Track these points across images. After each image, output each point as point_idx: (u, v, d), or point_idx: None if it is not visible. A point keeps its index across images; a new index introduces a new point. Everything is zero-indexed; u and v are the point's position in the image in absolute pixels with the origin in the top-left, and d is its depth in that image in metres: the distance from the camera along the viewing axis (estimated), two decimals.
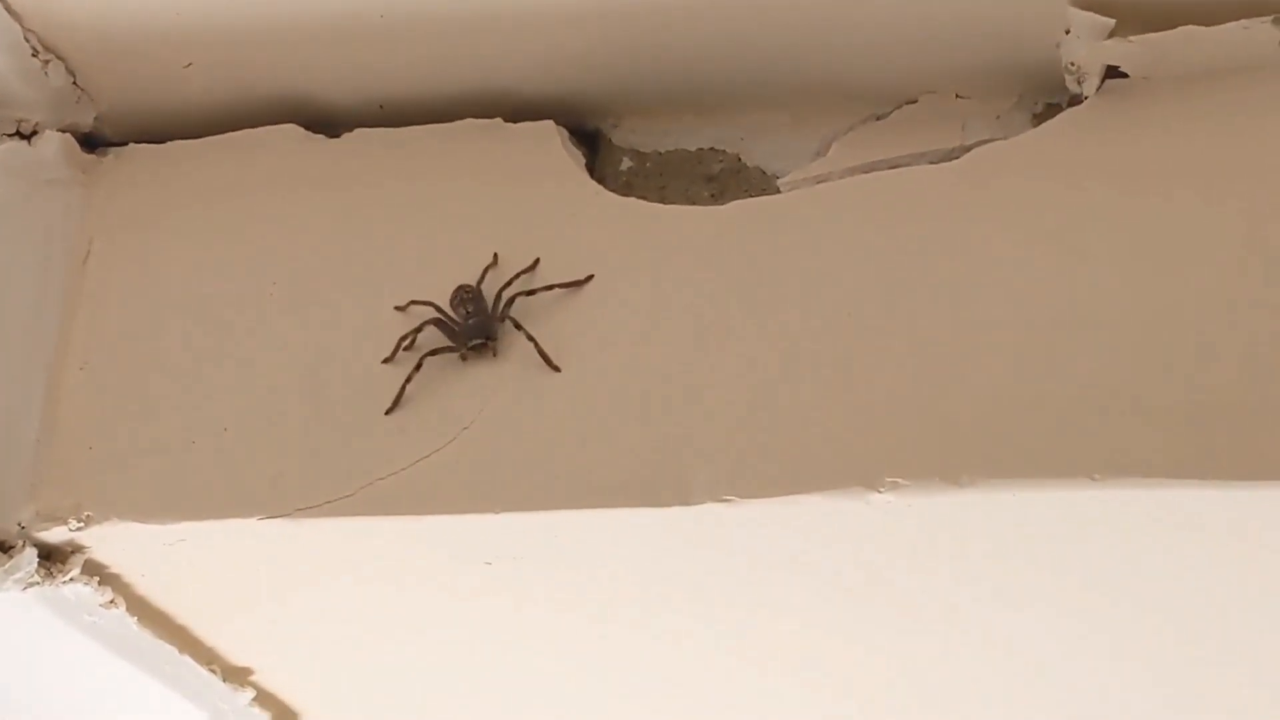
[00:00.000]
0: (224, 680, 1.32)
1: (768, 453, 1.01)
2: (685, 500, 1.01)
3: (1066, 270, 1.01)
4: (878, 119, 1.12)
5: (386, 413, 1.07)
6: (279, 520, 1.08)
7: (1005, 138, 1.07)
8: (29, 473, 1.12)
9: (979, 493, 0.97)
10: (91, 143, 1.21)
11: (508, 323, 1.07)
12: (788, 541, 1.06)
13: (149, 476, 1.11)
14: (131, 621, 1.20)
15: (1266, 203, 0.99)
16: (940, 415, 0.99)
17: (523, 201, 1.13)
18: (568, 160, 1.14)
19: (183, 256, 1.17)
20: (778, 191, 1.11)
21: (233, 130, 1.19)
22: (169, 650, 1.25)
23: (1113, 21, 1.02)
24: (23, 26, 1.14)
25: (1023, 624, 1.16)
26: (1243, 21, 1.01)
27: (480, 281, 1.10)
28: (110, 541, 1.12)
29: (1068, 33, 1.04)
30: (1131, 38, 1.02)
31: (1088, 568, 1.07)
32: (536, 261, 1.09)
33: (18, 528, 1.11)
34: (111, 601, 1.18)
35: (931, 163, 1.08)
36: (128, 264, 1.17)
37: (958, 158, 1.07)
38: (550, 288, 1.08)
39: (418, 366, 1.07)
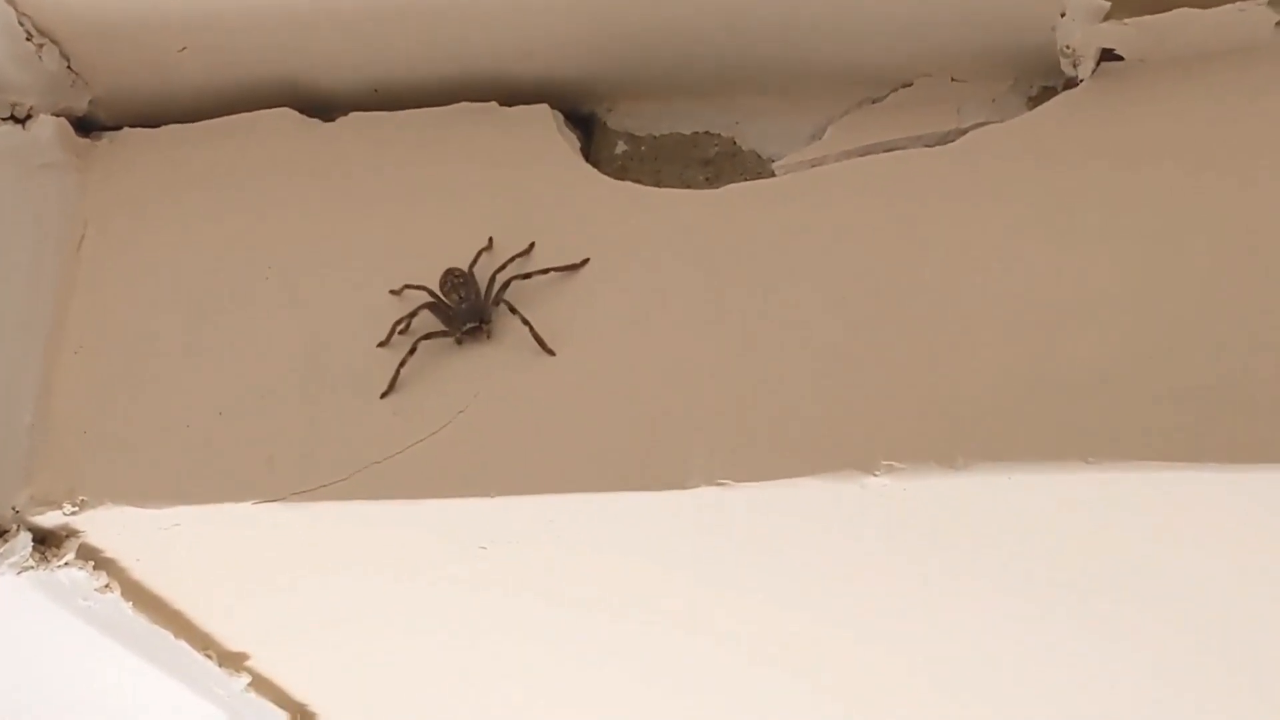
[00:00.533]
0: (220, 665, 1.32)
1: (763, 436, 1.01)
2: (681, 484, 1.01)
3: (1062, 253, 1.01)
4: (873, 102, 1.12)
5: (382, 396, 1.07)
6: (274, 504, 1.08)
7: (1000, 121, 1.07)
8: (23, 457, 1.12)
9: (974, 476, 0.98)
10: (86, 127, 1.21)
11: (502, 306, 1.07)
12: (783, 525, 1.06)
13: (144, 461, 1.11)
14: (126, 606, 1.20)
15: (1261, 184, 0.99)
16: (935, 398, 0.99)
17: (518, 185, 1.13)
18: (562, 144, 1.14)
19: (177, 240, 1.16)
20: (773, 175, 1.11)
21: (227, 114, 1.20)
22: (164, 635, 1.25)
23: (1108, 4, 1.02)
24: (17, 10, 1.14)
25: (1017, 608, 1.16)
26: (1238, 4, 1.01)
27: (472, 265, 1.10)
28: (105, 526, 1.12)
29: (1063, 15, 1.04)
30: (1126, 20, 1.02)
31: (1082, 552, 1.07)
32: (531, 245, 1.09)
33: (12, 512, 1.11)
34: (106, 586, 1.18)
35: (927, 146, 1.07)
36: (122, 248, 1.17)
37: (953, 141, 1.07)
38: (545, 271, 1.08)
39: (412, 350, 1.07)
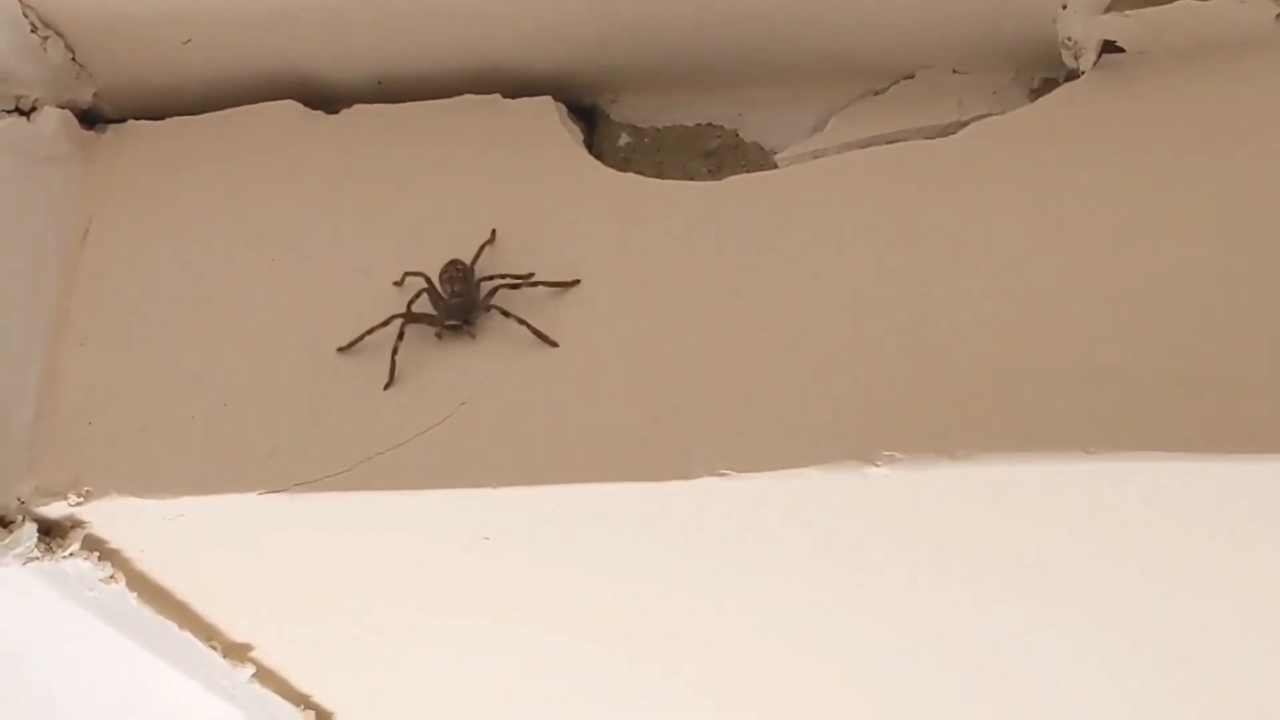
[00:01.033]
0: (224, 656, 1.33)
1: (764, 427, 1.01)
2: (683, 474, 1.01)
3: (1063, 244, 1.01)
4: (875, 94, 1.12)
5: (385, 387, 1.08)
6: (278, 495, 1.08)
7: (1002, 112, 1.07)
8: (28, 448, 1.12)
9: (974, 466, 0.98)
10: (90, 119, 1.21)
11: (493, 311, 1.07)
12: (784, 515, 1.06)
13: (148, 451, 1.11)
14: (131, 597, 1.21)
15: (1262, 175, 1.00)
16: (936, 389, 0.99)
17: (521, 177, 1.13)
18: (566, 136, 1.14)
19: (181, 232, 1.17)
20: (775, 167, 1.11)
21: (231, 107, 1.20)
22: (169, 626, 1.26)
23: None
24: (21, 3, 1.14)
25: (1017, 600, 1.16)
26: None
27: (475, 260, 1.10)
28: (110, 516, 1.12)
29: (1064, 8, 1.04)
30: (1128, 12, 1.02)
31: (1082, 543, 1.07)
32: (530, 275, 1.09)
33: (17, 503, 1.11)
34: (111, 577, 1.18)
35: (928, 138, 1.08)
36: (126, 240, 1.17)
37: (955, 132, 1.07)
38: (535, 284, 1.08)
39: (400, 335, 1.07)
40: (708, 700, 1.38)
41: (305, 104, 1.19)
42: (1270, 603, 1.12)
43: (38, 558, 1.12)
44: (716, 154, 1.14)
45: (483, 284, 1.08)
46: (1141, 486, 0.99)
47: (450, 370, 1.08)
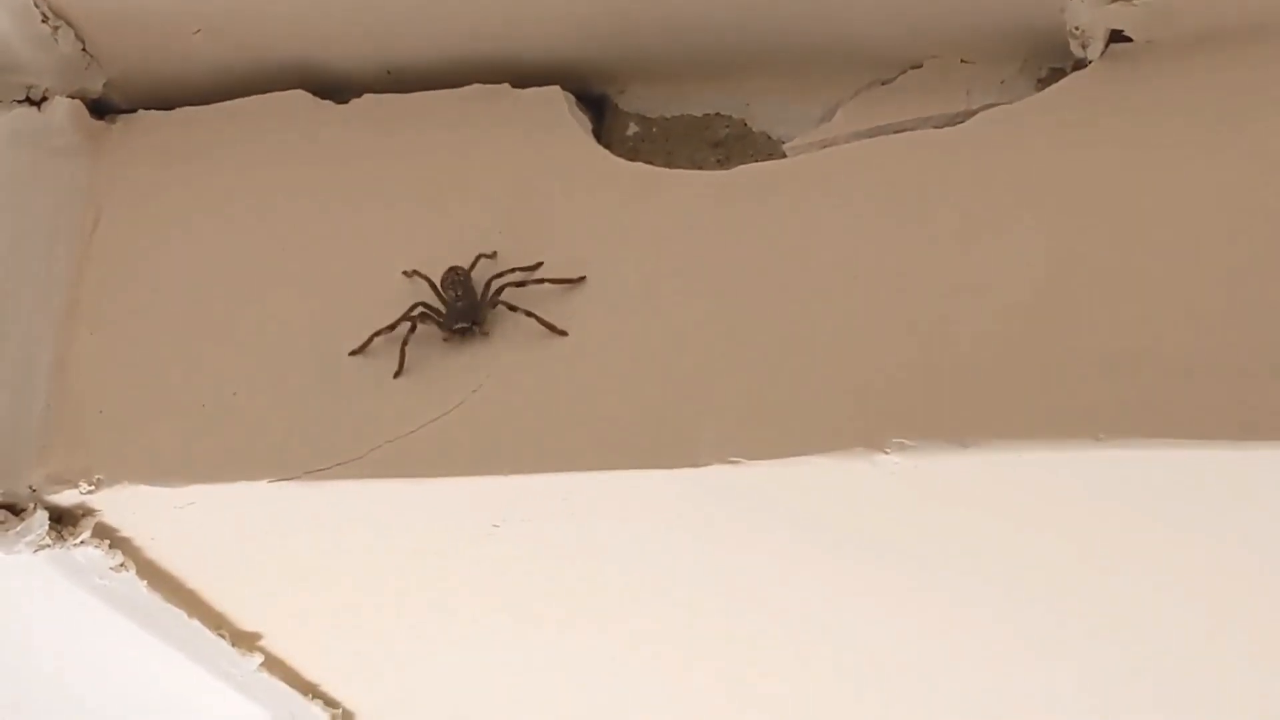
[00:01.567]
0: (233, 645, 1.33)
1: (774, 414, 1.01)
2: (692, 462, 1.02)
3: (1070, 233, 1.01)
4: (883, 84, 1.12)
5: (395, 375, 1.08)
6: (289, 483, 1.08)
7: (1009, 102, 1.07)
8: (39, 436, 1.12)
9: (984, 454, 0.98)
10: (100, 109, 1.22)
11: (500, 309, 1.07)
12: (793, 503, 1.06)
13: (159, 440, 1.11)
14: (141, 585, 1.21)
15: (1270, 164, 1.00)
16: (946, 376, 0.99)
17: (529, 166, 1.13)
18: (574, 125, 1.14)
19: (191, 222, 1.17)
20: (783, 156, 1.11)
21: (241, 96, 1.20)
22: (178, 614, 1.26)
23: None
24: None
25: (1026, 589, 1.17)
26: None
27: (472, 267, 1.10)
28: (121, 504, 1.13)
29: None
30: (1135, 2, 1.02)
31: (1092, 531, 1.08)
32: (539, 265, 1.09)
33: (28, 490, 1.11)
34: (122, 565, 1.18)
35: (936, 127, 1.08)
36: (136, 229, 1.18)
37: (962, 122, 1.07)
38: (541, 281, 1.08)
39: (412, 328, 1.08)
40: (717, 687, 1.38)
41: (315, 94, 1.19)
42: None
43: (49, 545, 1.12)
44: (725, 143, 1.14)
45: (492, 282, 1.09)
46: (1153, 475, 0.99)
47: (460, 359, 1.08)
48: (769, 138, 1.14)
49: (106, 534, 1.16)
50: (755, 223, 1.07)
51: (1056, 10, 1.05)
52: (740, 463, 1.01)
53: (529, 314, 1.07)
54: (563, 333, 1.07)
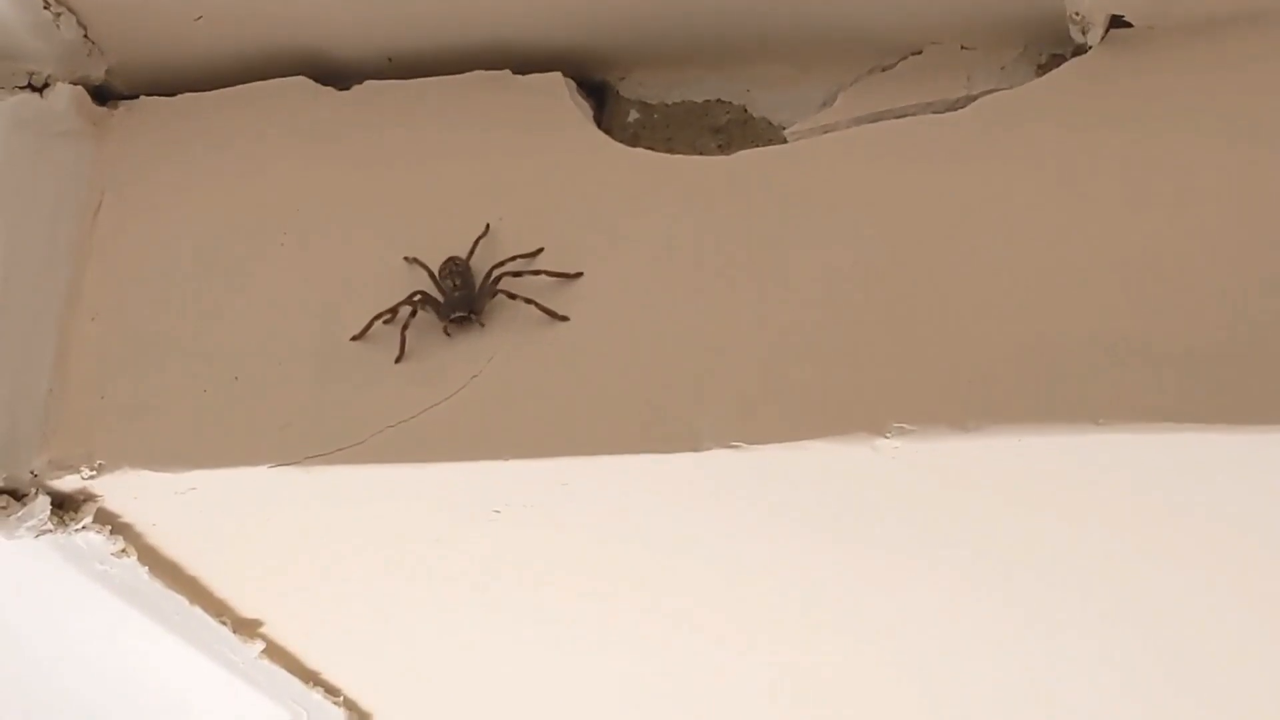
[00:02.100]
0: (234, 632, 1.33)
1: (775, 399, 1.02)
2: (693, 446, 1.02)
3: (1071, 218, 1.01)
4: (883, 70, 1.12)
5: (396, 361, 1.08)
6: (289, 468, 1.09)
7: (1010, 88, 1.08)
8: (41, 421, 1.13)
9: (985, 438, 0.98)
10: (102, 95, 1.22)
11: (499, 297, 1.08)
12: (794, 488, 1.06)
13: (160, 425, 1.11)
14: (143, 571, 1.21)
15: (1270, 150, 1.00)
16: (946, 361, 0.99)
17: (531, 153, 1.13)
18: (575, 112, 1.14)
19: (193, 207, 1.17)
20: (784, 142, 1.11)
21: (243, 83, 1.20)
22: (179, 600, 1.26)
23: None
24: None
25: (1026, 573, 1.17)
26: None
27: (470, 254, 1.11)
28: (122, 490, 1.13)
29: None
30: None
31: (1093, 516, 1.08)
32: (539, 251, 1.10)
33: (30, 476, 1.12)
34: (123, 550, 1.19)
35: (936, 113, 1.08)
36: (138, 215, 1.18)
37: (962, 108, 1.08)
38: (539, 273, 1.08)
39: (412, 313, 1.08)
40: (720, 668, 1.38)
41: (316, 80, 1.19)
42: None
43: (50, 530, 1.13)
44: (725, 129, 1.15)
45: (492, 271, 1.09)
46: (1151, 459, 1.00)
47: (461, 345, 1.08)
48: (770, 124, 1.14)
49: (108, 519, 1.16)
50: (756, 208, 1.07)
51: None
52: (741, 447, 1.01)
53: (529, 301, 1.07)
54: (563, 318, 1.07)
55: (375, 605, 1.33)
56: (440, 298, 1.09)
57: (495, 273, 1.09)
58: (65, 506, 1.14)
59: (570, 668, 1.43)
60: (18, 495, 1.12)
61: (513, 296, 1.07)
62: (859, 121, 1.09)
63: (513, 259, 1.09)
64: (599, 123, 1.16)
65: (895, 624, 1.26)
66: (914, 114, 1.09)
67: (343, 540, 1.21)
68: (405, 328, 1.08)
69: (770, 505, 1.09)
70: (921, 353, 1.00)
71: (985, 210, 1.03)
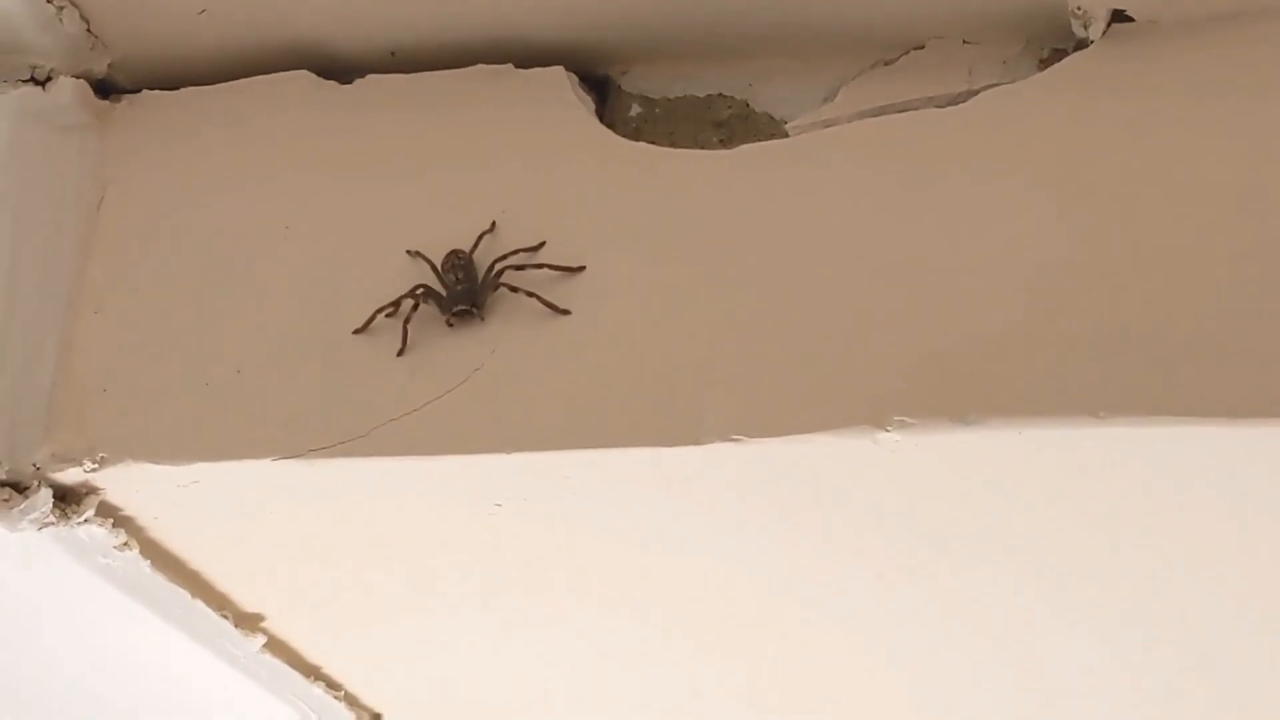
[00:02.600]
0: (235, 626, 1.33)
1: (776, 392, 1.02)
2: (695, 440, 1.02)
3: (1072, 212, 1.02)
4: (885, 64, 1.12)
5: (398, 354, 1.08)
6: (292, 461, 1.09)
7: (1012, 82, 1.08)
8: (44, 414, 1.13)
9: (985, 431, 0.98)
10: (105, 89, 1.22)
11: (501, 290, 1.08)
12: (796, 481, 1.06)
13: (163, 418, 1.12)
14: (145, 564, 1.22)
15: (1271, 146, 1.00)
16: (947, 354, 1.00)
17: (533, 147, 1.14)
18: (578, 106, 1.14)
19: (196, 201, 1.17)
20: (786, 136, 1.11)
21: (245, 77, 1.20)
22: (181, 594, 1.27)
23: None
24: None
25: (1026, 567, 1.17)
26: None
27: (474, 248, 1.11)
28: (124, 483, 1.13)
29: None
30: None
31: (1093, 510, 1.08)
32: (541, 245, 1.10)
33: (33, 468, 1.12)
34: (125, 544, 1.19)
35: (938, 107, 1.08)
36: (141, 209, 1.18)
37: (964, 102, 1.08)
38: (541, 266, 1.09)
39: (415, 306, 1.08)
40: (723, 661, 1.38)
41: (319, 74, 1.19)
42: None
43: (52, 523, 1.13)
44: (728, 124, 1.15)
45: (494, 265, 1.09)
46: (1152, 452, 1.00)
47: (463, 337, 1.08)
48: (771, 118, 1.14)
49: (110, 513, 1.16)
50: (758, 202, 1.07)
51: None
52: (742, 440, 1.01)
53: (530, 294, 1.07)
54: (565, 312, 1.07)
55: (376, 599, 1.33)
56: (443, 291, 1.09)
57: (497, 266, 1.09)
58: (67, 499, 1.14)
59: (570, 661, 1.44)
60: (20, 488, 1.12)
61: (514, 290, 1.07)
62: (861, 116, 1.09)
63: (515, 253, 1.09)
64: (601, 117, 1.16)
65: (896, 617, 1.26)
66: (916, 108, 1.09)
67: (344, 534, 1.21)
68: (407, 321, 1.08)
69: (771, 497, 1.09)
70: (922, 346, 1.00)
71: (986, 204, 1.03)
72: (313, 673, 1.45)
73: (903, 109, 1.09)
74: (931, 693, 1.40)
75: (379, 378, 1.09)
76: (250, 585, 1.31)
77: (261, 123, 1.19)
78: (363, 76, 1.19)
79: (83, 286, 1.16)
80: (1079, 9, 1.05)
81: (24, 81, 1.19)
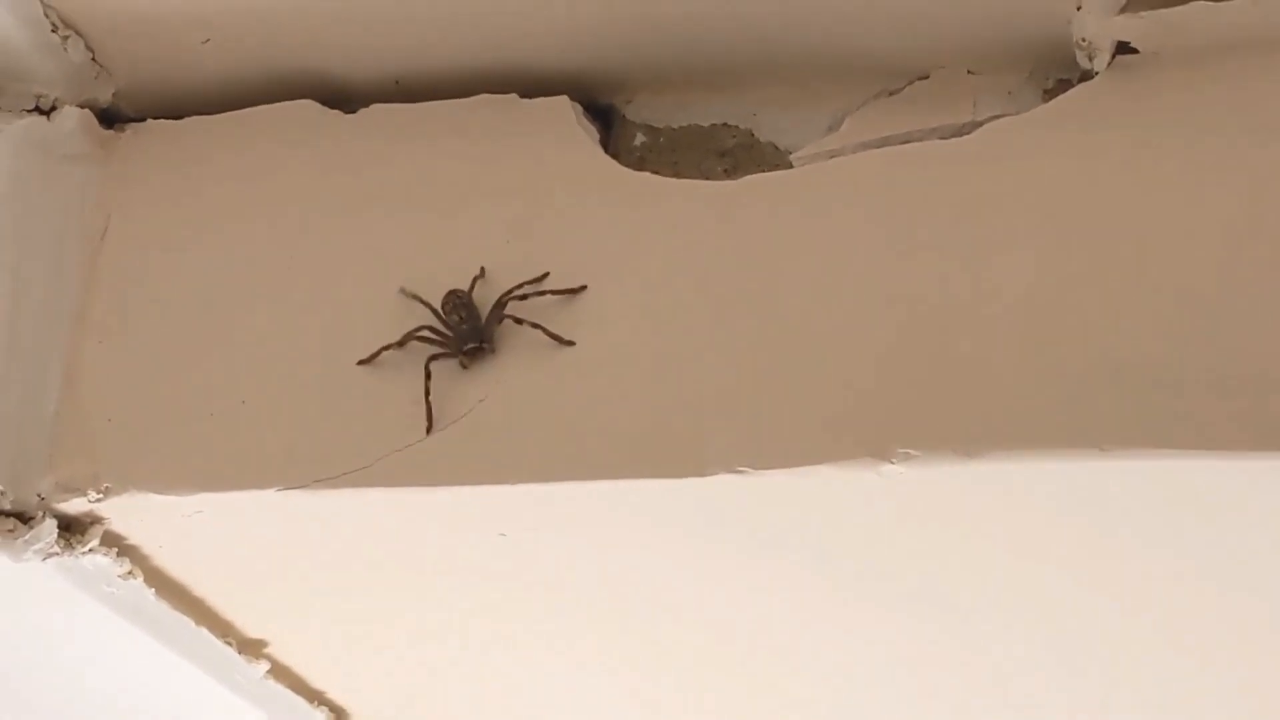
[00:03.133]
0: (239, 653, 1.33)
1: (780, 424, 1.02)
2: (699, 471, 1.02)
3: (1076, 243, 1.02)
4: (890, 94, 1.12)
5: (427, 432, 1.07)
6: (296, 491, 1.09)
7: (1016, 113, 1.08)
8: (48, 444, 1.13)
9: (989, 464, 0.98)
10: (109, 118, 1.22)
11: (506, 322, 1.08)
12: (800, 513, 1.06)
13: (167, 448, 1.12)
14: (149, 593, 1.21)
15: (1274, 177, 1.00)
16: (951, 387, 1.00)
17: (537, 176, 1.13)
18: (582, 135, 1.14)
19: (200, 231, 1.17)
20: (790, 166, 1.11)
21: (250, 106, 1.20)
22: (186, 622, 1.27)
23: None
24: (43, 2, 1.14)
25: (1031, 597, 1.17)
26: None
27: (471, 288, 1.11)
28: (129, 512, 1.13)
29: (1079, 9, 1.04)
30: (1143, 13, 1.03)
31: (1097, 542, 1.08)
32: (545, 275, 1.10)
33: (37, 499, 1.12)
34: (130, 572, 1.19)
35: (943, 138, 1.08)
36: (145, 238, 1.18)
37: (969, 133, 1.08)
38: (543, 293, 1.09)
39: (428, 375, 1.08)
40: (722, 694, 1.38)
41: (323, 103, 1.19)
42: None
43: (57, 553, 1.13)
44: (732, 153, 1.15)
45: (500, 300, 1.09)
46: (1156, 485, 1.00)
47: (467, 369, 1.08)
48: (776, 148, 1.14)
49: (114, 542, 1.16)
50: (762, 233, 1.07)
51: (1063, 22, 1.06)
52: (747, 472, 1.01)
53: (535, 325, 1.07)
54: (570, 343, 1.07)
55: (380, 626, 1.33)
56: (448, 333, 1.09)
57: (501, 299, 1.09)
58: (72, 529, 1.14)
59: (578, 688, 1.43)
60: (24, 518, 1.12)
61: (519, 321, 1.07)
62: (865, 146, 1.09)
63: (519, 286, 1.09)
64: (605, 146, 1.16)
65: (900, 645, 1.26)
66: (920, 139, 1.09)
67: (348, 562, 1.21)
68: (428, 394, 1.07)
69: (775, 529, 1.09)
70: (927, 378, 1.00)
71: (991, 236, 1.03)
72: (316, 698, 1.45)
73: (907, 140, 1.09)
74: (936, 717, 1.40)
75: (383, 409, 1.09)
76: (254, 612, 1.31)
77: (266, 152, 1.19)
78: (367, 105, 1.19)
79: (87, 316, 1.16)
80: (1084, 40, 1.05)
81: (28, 111, 1.19)
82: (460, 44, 1.15)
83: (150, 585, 1.21)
